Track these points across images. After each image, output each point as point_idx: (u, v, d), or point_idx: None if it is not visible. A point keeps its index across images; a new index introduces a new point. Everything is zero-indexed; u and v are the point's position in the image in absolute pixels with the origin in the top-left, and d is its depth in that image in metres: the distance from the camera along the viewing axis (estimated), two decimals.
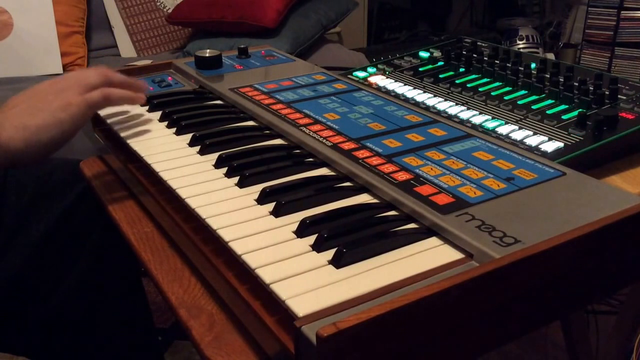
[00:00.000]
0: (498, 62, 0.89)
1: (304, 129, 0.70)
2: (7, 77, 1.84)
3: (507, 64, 0.87)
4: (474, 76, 0.88)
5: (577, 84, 0.79)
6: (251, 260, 0.49)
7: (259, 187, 0.59)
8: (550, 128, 0.72)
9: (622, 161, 0.72)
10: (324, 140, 0.67)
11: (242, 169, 0.63)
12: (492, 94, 0.82)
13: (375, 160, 0.62)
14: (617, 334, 1.03)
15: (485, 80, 0.86)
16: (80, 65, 2.00)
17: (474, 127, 0.73)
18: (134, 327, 0.95)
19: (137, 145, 0.72)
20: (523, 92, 0.81)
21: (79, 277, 0.86)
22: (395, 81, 0.89)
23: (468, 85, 0.85)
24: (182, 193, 0.60)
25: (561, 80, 0.81)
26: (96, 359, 0.91)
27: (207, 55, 0.93)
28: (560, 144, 0.68)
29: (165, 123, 0.77)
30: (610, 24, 2.63)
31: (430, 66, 0.93)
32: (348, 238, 0.50)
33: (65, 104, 0.67)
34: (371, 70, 0.94)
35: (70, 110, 0.67)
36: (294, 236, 0.52)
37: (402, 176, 0.59)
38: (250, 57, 0.99)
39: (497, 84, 0.85)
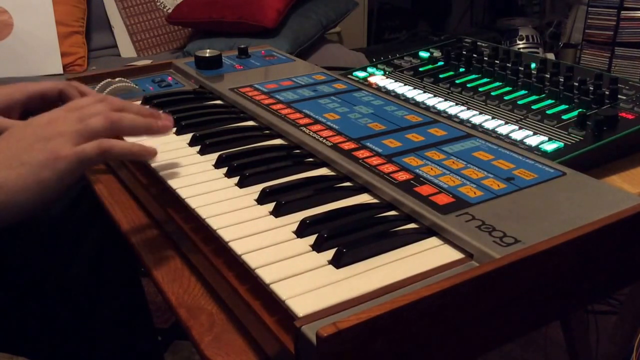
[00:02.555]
0: (498, 62, 0.89)
1: (304, 129, 0.70)
2: (7, 77, 1.85)
3: (507, 64, 0.87)
4: (474, 76, 0.88)
5: (577, 84, 0.79)
6: (251, 260, 0.49)
7: (259, 187, 0.59)
8: (550, 128, 0.72)
9: (622, 161, 0.72)
10: (324, 140, 0.67)
11: (242, 169, 0.63)
12: (492, 94, 0.82)
13: (375, 160, 0.62)
14: (617, 334, 1.03)
15: (485, 80, 0.86)
16: (80, 66, 2.00)
17: (474, 127, 0.73)
18: (134, 327, 0.95)
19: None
20: (523, 92, 0.81)
21: (78, 276, 0.86)
22: (395, 81, 0.89)
23: (468, 85, 0.85)
24: (182, 193, 0.60)
25: (561, 80, 0.81)
26: (96, 359, 0.91)
27: (207, 55, 0.93)
28: (560, 144, 0.68)
29: None
30: (610, 24, 2.64)
31: (430, 66, 0.93)
32: (348, 238, 0.50)
33: (52, 159, 0.54)
34: (371, 70, 0.94)
35: (56, 167, 0.54)
36: (294, 236, 0.52)
37: (402, 176, 0.59)
38: (250, 57, 0.99)
39: (497, 84, 0.85)
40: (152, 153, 0.62)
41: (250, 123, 0.77)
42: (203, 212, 0.56)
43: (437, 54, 0.97)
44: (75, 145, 0.56)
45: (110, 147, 0.57)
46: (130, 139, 0.66)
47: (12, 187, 0.53)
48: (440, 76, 0.89)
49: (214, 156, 0.67)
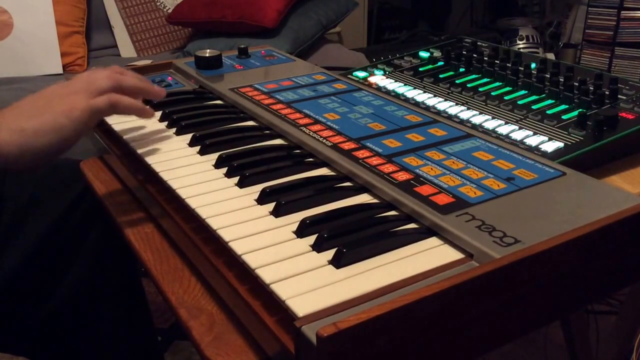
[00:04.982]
0: (498, 62, 0.89)
1: (304, 129, 0.70)
2: (7, 77, 1.84)
3: (507, 64, 0.87)
4: (474, 76, 0.88)
5: (577, 84, 0.79)
6: (251, 260, 0.49)
7: (259, 187, 0.59)
8: (550, 128, 0.72)
9: (622, 161, 0.72)
10: (324, 140, 0.67)
11: (242, 169, 0.63)
12: (492, 94, 0.82)
13: (375, 160, 0.62)
14: (617, 334, 1.03)
15: (485, 80, 0.86)
16: (80, 66, 2.00)
17: (474, 127, 0.73)
18: (134, 327, 0.95)
19: (137, 145, 0.72)
20: (523, 92, 0.81)
21: (78, 277, 0.86)
22: (395, 81, 0.89)
23: (468, 85, 0.85)
24: (183, 193, 0.60)
25: (561, 80, 0.81)
26: (96, 359, 0.91)
27: (207, 55, 0.93)
28: (560, 144, 0.68)
29: (165, 123, 0.77)
30: (610, 24, 2.63)
31: (430, 66, 0.93)
32: (348, 238, 0.50)
33: (68, 109, 0.64)
34: (371, 70, 0.94)
35: (73, 116, 0.64)
36: (294, 236, 0.52)
37: (402, 176, 0.59)
38: (250, 57, 0.99)
39: (497, 84, 0.85)
40: (151, 113, 0.73)
41: (250, 123, 0.77)
42: (203, 212, 0.56)
43: (437, 54, 0.97)
44: (88, 100, 0.66)
45: (118, 100, 0.67)
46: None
47: (32, 132, 0.62)
48: (440, 76, 0.89)
49: (214, 156, 0.67)
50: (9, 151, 0.61)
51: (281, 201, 0.56)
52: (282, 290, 0.45)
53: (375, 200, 0.58)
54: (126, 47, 2.15)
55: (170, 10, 2.15)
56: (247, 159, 0.65)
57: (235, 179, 0.62)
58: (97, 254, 0.88)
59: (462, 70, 0.90)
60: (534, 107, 0.77)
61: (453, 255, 0.50)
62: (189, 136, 0.72)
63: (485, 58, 0.90)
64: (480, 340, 0.47)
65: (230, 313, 0.53)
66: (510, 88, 0.83)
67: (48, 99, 0.65)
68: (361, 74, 0.93)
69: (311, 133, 0.69)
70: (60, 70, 1.94)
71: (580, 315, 1.12)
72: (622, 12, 2.59)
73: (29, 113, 0.64)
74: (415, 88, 0.86)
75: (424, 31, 3.09)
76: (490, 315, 0.46)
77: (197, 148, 0.70)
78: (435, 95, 0.83)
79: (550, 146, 0.67)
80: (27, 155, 0.62)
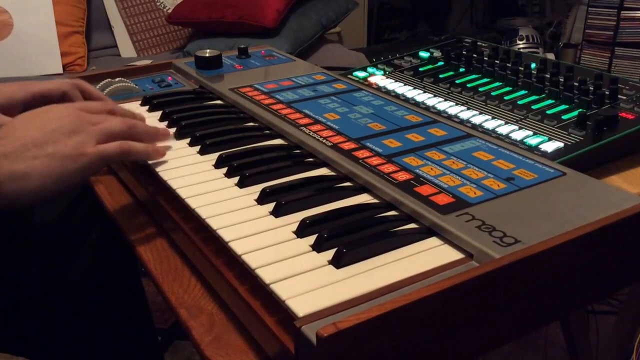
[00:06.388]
0: (498, 62, 0.89)
1: (304, 129, 0.70)
2: (7, 77, 1.85)
3: (507, 64, 0.87)
4: (474, 76, 0.88)
5: (577, 84, 0.79)
6: (251, 260, 0.49)
7: (259, 187, 0.59)
8: (550, 128, 0.72)
9: (622, 161, 0.72)
10: (324, 140, 0.67)
11: (242, 169, 0.63)
12: (492, 94, 0.82)
13: (375, 160, 0.62)
14: (617, 334, 1.03)
15: (485, 80, 0.86)
16: (80, 65, 2.00)
17: (474, 127, 0.73)
18: (134, 327, 0.95)
19: None
20: (523, 92, 0.81)
21: (78, 277, 0.86)
22: (395, 81, 0.89)
23: (468, 85, 0.85)
24: (182, 193, 0.60)
25: (561, 80, 0.81)
26: (96, 359, 0.91)
27: (207, 55, 0.93)
28: (560, 144, 0.68)
29: (165, 123, 0.77)
30: (610, 24, 2.63)
31: (430, 66, 0.93)
32: (348, 238, 0.50)
33: (77, 154, 0.59)
34: (371, 70, 0.94)
35: (81, 162, 0.59)
36: (294, 236, 0.52)
37: (402, 176, 0.59)
38: (250, 57, 0.99)
39: (497, 84, 0.85)
40: (163, 153, 0.68)
41: (250, 123, 0.77)
42: (203, 212, 0.56)
43: (437, 54, 0.97)
44: (98, 144, 0.61)
45: (129, 148, 0.63)
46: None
47: (37, 177, 0.57)
48: (440, 76, 0.89)
49: (214, 156, 0.67)
50: (8, 196, 0.57)
51: (281, 201, 0.56)
52: (282, 290, 0.45)
53: (375, 200, 0.58)
54: (126, 47, 2.16)
55: (170, 10, 2.16)
56: (247, 159, 0.65)
57: (235, 179, 0.62)
58: (97, 254, 0.88)
59: (462, 70, 0.90)
60: (533, 107, 0.77)
61: (453, 255, 0.50)
62: (189, 136, 0.72)
63: (485, 58, 0.91)
64: (480, 340, 0.47)
65: (230, 313, 0.53)
66: (510, 88, 0.83)
67: (54, 135, 0.59)
68: (361, 74, 0.93)
69: (311, 133, 0.69)
70: (60, 70, 1.94)
71: (580, 315, 1.12)
72: (622, 12, 2.59)
73: (33, 151, 0.58)
74: (415, 88, 0.86)
75: (424, 31, 3.10)
76: (490, 316, 0.46)
77: (197, 148, 0.70)
78: (435, 95, 0.83)
79: (550, 146, 0.67)
80: (27, 197, 0.58)
